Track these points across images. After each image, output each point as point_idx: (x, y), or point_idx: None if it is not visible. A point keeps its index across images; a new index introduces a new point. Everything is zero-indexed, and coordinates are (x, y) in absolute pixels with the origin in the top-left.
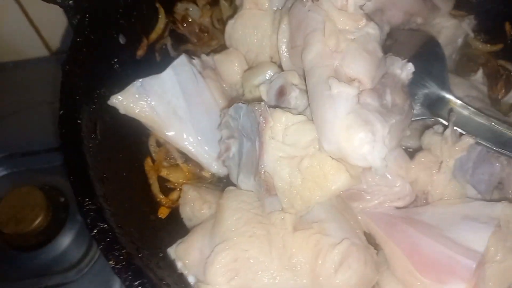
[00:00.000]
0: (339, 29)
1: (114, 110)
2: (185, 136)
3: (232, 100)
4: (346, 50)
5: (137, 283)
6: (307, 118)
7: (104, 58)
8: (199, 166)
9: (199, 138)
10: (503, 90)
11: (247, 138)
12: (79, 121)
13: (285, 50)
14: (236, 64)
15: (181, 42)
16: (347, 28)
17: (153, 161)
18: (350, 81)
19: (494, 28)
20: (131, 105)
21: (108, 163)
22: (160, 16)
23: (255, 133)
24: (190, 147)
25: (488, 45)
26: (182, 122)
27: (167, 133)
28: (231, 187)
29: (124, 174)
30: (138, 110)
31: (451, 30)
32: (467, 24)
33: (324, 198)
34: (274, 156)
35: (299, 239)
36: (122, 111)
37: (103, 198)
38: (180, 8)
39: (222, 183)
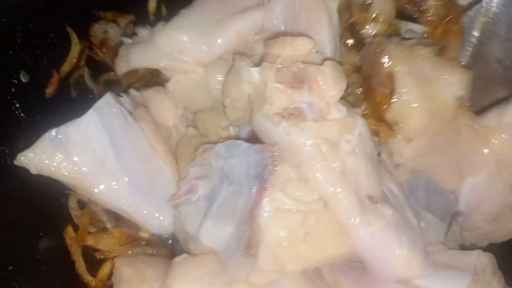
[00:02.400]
0: (332, 144)
1: (19, 173)
2: (116, 192)
3: (171, 145)
4: (355, 169)
5: None
6: None
7: (2, 106)
8: (134, 226)
9: (134, 193)
10: None
11: (230, 181)
12: None
13: None
14: (167, 106)
15: (101, 71)
16: (340, 138)
17: (76, 228)
18: (370, 198)
19: None
20: (46, 161)
21: (14, 251)
22: (72, 43)
23: (251, 177)
24: (124, 205)
25: None
26: (112, 175)
27: (94, 191)
28: (178, 259)
29: (38, 256)
30: (54, 167)
31: None
32: None
33: (322, 262)
34: (272, 207)
35: None
36: (34, 170)
37: None
38: (97, 30)
39: (163, 244)
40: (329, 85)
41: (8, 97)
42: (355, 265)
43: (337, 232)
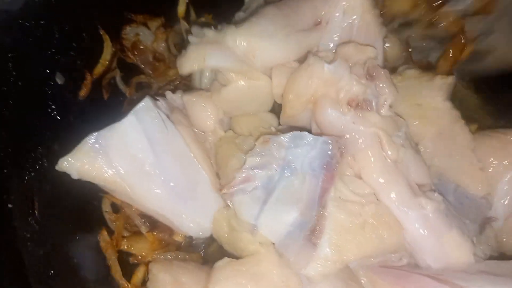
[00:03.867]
0: (389, 136)
1: (56, 176)
2: (156, 196)
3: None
4: (407, 160)
5: None
6: None
7: (38, 107)
8: (168, 230)
9: (174, 197)
10: None
11: (292, 171)
12: (9, 205)
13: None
14: (209, 111)
15: (132, 73)
16: (393, 132)
17: (110, 232)
18: (423, 189)
19: None
20: (86, 166)
21: (53, 254)
22: (105, 45)
23: (316, 166)
24: (163, 209)
25: None
26: (151, 179)
27: (133, 195)
28: (219, 263)
29: (75, 260)
30: (95, 172)
31: None
32: None
33: (378, 252)
34: (335, 197)
35: None
36: (75, 176)
37: None
38: (129, 32)
39: (197, 249)
40: (389, 87)
41: (45, 98)
42: (391, 266)
43: (394, 223)
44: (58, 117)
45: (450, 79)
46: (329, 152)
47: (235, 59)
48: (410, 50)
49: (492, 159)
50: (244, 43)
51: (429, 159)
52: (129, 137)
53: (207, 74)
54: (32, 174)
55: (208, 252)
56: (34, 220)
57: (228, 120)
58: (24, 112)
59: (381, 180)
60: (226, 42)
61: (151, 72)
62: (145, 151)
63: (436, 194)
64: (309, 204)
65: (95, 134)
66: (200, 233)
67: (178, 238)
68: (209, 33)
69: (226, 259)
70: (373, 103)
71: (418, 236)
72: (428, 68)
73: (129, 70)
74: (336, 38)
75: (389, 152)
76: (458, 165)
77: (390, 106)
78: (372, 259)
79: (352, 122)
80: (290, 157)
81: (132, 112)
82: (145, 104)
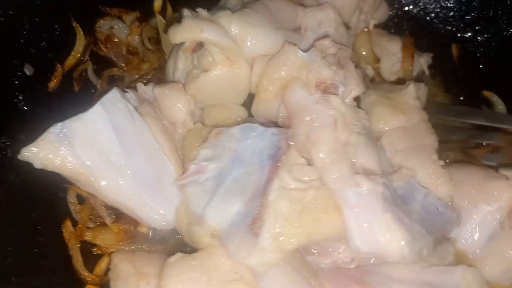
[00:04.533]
0: (346, 121)
1: (21, 166)
2: (121, 187)
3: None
4: (357, 144)
5: None
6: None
7: (4, 97)
8: (134, 222)
9: (139, 188)
10: None
11: (242, 163)
12: None
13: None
14: (182, 103)
15: (105, 66)
16: (351, 120)
17: (75, 223)
18: (367, 173)
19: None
20: (50, 156)
21: (13, 244)
22: (78, 38)
23: (264, 157)
24: (128, 200)
25: None
26: (118, 171)
27: (98, 186)
28: (172, 259)
29: (35, 250)
30: (59, 162)
31: None
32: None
33: (316, 238)
34: (278, 186)
35: None
36: (37, 165)
37: None
38: (103, 26)
39: (161, 241)
40: (357, 80)
41: (12, 89)
42: (339, 269)
43: (332, 207)
44: (25, 108)
45: (423, 85)
46: (277, 144)
47: (229, 38)
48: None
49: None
50: (237, 28)
51: (392, 151)
52: (95, 127)
53: (180, 67)
54: None
55: (171, 244)
56: None
57: (199, 112)
58: None
59: (327, 160)
60: (221, 23)
61: (124, 65)
62: (111, 142)
63: (379, 179)
64: (254, 195)
65: (60, 123)
66: (163, 224)
67: (143, 230)
68: (203, 12)
69: (178, 254)
70: (340, 90)
71: (349, 214)
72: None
73: (102, 63)
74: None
75: (341, 134)
76: (421, 162)
77: (355, 99)
78: (314, 251)
79: (315, 102)
80: (241, 149)
81: (99, 102)
82: (113, 95)
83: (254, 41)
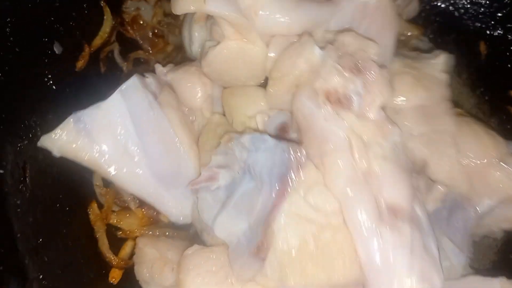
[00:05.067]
0: (364, 144)
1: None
2: (137, 178)
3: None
4: (381, 173)
5: None
6: None
7: (34, 76)
8: (156, 209)
9: (155, 180)
10: None
11: (252, 176)
12: (1, 171)
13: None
14: (198, 88)
15: (131, 48)
16: (373, 140)
17: (100, 206)
18: (392, 210)
19: None
20: (68, 145)
21: (42, 223)
22: (105, 18)
23: (273, 176)
24: (144, 192)
25: None
26: (134, 161)
27: (114, 176)
28: (189, 251)
29: (64, 231)
30: (77, 152)
31: None
32: None
33: (325, 285)
34: (290, 212)
35: None
36: (56, 153)
37: (37, 277)
38: (130, 6)
39: (185, 227)
40: (382, 86)
41: (42, 67)
42: None
43: (350, 254)
44: (54, 87)
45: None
46: (287, 163)
47: (237, 10)
48: None
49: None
50: None
51: (407, 133)
52: (113, 116)
53: (196, 38)
54: (25, 142)
55: (193, 232)
56: (25, 187)
57: (218, 93)
58: (20, 79)
59: (343, 195)
60: None
61: (149, 48)
62: (129, 132)
63: (407, 225)
64: (259, 218)
65: (79, 112)
66: (181, 219)
67: (163, 218)
68: None
69: (195, 246)
70: (355, 102)
71: (368, 270)
72: None
73: (128, 45)
74: (349, 17)
75: (359, 163)
76: (438, 156)
77: (381, 108)
78: None
79: (324, 119)
80: (251, 161)
81: (118, 90)
82: (132, 82)
83: (267, 16)
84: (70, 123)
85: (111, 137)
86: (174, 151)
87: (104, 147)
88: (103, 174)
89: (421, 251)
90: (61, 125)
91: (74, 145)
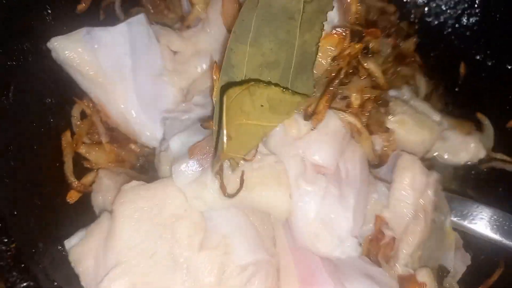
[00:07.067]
0: None
1: (34, 69)
2: (125, 98)
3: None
4: (309, 137)
5: (22, 286)
6: None
7: (34, 6)
8: (126, 144)
9: (139, 103)
10: None
11: None
12: None
13: None
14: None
15: (132, 3)
16: None
17: (73, 135)
18: (316, 169)
19: None
20: (75, 52)
21: (16, 131)
22: None
23: None
24: (127, 112)
25: None
26: (125, 82)
27: (106, 92)
28: (126, 187)
29: (34, 147)
30: (79, 61)
31: None
32: None
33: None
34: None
35: (205, 260)
36: (61, 57)
37: None
38: None
39: (143, 172)
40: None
41: (43, 1)
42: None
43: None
44: (52, 22)
45: None
46: None
47: None
48: None
49: None
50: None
51: None
52: (117, 41)
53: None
54: (14, 62)
55: (151, 176)
56: (6, 98)
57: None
58: (20, 10)
59: (272, 149)
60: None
61: (151, 8)
62: (127, 57)
63: (323, 180)
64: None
65: (90, 28)
66: (154, 143)
67: (134, 147)
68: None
69: (133, 182)
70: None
71: (292, 212)
72: None
73: (131, 1)
74: None
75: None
76: None
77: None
78: None
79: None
80: None
81: (126, 22)
82: (140, 18)
83: None
84: (80, 33)
85: (111, 57)
86: (159, 78)
87: (104, 64)
88: (94, 90)
89: (333, 201)
90: (73, 33)
91: (79, 54)
